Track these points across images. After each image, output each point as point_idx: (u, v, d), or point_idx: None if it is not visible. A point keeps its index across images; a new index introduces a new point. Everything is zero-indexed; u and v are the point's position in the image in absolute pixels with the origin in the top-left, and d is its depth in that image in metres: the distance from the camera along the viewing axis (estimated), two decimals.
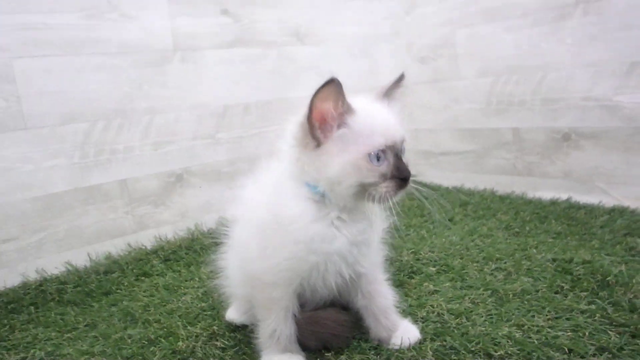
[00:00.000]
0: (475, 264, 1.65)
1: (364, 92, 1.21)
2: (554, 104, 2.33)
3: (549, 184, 2.42)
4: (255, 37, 2.50)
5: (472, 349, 1.17)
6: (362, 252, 1.21)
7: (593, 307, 1.30)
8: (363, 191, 1.11)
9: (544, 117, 2.38)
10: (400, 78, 1.24)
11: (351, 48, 2.85)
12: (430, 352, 1.18)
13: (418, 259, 1.74)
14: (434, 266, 1.67)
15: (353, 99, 1.14)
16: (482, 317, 1.31)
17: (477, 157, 2.73)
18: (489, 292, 1.45)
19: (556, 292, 1.41)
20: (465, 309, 1.36)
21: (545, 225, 1.97)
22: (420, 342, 1.24)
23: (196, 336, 1.37)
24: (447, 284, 1.53)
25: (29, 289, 1.82)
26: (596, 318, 1.25)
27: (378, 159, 1.10)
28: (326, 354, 1.23)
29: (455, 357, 1.16)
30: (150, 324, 1.48)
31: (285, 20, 2.59)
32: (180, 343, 1.33)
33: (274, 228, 1.14)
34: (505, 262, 1.64)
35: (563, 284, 1.44)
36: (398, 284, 1.54)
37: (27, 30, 1.94)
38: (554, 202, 2.24)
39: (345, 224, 1.16)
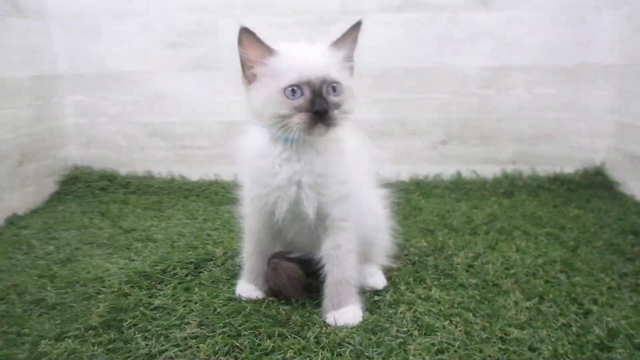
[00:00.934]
0: None
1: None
2: None
3: None
4: (426, 1, 2.47)
5: None
6: (306, 193, 1.28)
7: None
8: (283, 126, 1.20)
9: None
10: (357, 25, 1.29)
11: (552, 13, 2.46)
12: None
13: None
14: None
15: (289, 44, 1.26)
16: None
17: None
18: None
19: None
20: None
21: None
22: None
23: None
24: None
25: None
26: None
27: (293, 93, 1.20)
28: (279, 301, 1.41)
29: None
30: None
31: None
32: None
33: (241, 162, 1.38)
34: None
35: None
36: None
37: None
38: None
39: (288, 162, 1.28)
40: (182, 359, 1.17)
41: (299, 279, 1.42)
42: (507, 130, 2.61)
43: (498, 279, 1.53)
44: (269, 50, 1.23)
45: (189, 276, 1.60)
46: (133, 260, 1.70)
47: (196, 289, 1.49)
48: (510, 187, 2.49)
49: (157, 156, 2.69)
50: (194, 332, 1.25)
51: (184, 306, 1.38)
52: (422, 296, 1.44)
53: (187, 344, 1.21)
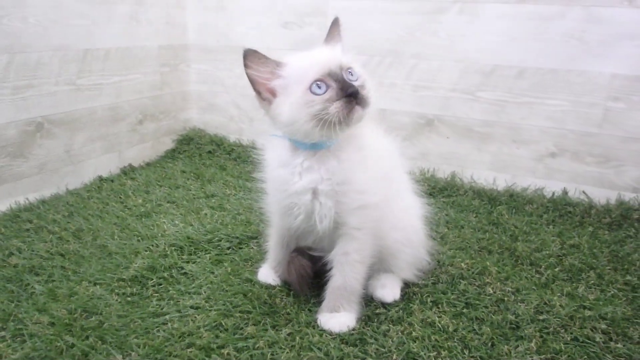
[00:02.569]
0: None
1: None
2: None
3: None
4: None
5: None
6: (322, 201, 1.29)
7: None
8: (322, 123, 1.19)
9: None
10: (335, 22, 1.37)
11: None
12: None
13: None
14: None
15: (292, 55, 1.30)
16: None
17: None
18: None
19: None
20: None
21: None
22: None
23: None
24: None
25: None
26: None
27: (319, 87, 1.21)
28: (288, 292, 1.48)
29: None
30: None
31: None
32: None
33: (264, 173, 1.45)
34: None
35: None
36: None
37: None
38: None
39: (309, 171, 1.30)
40: (177, 323, 1.31)
41: (307, 277, 1.46)
42: (633, 152, 2.22)
43: (522, 321, 1.38)
44: (277, 63, 1.25)
45: (230, 249, 1.75)
46: (191, 225, 1.90)
47: (226, 264, 1.63)
48: (620, 217, 2.14)
49: (261, 128, 2.87)
50: (197, 303, 1.39)
51: (206, 277, 1.53)
52: (428, 320, 1.38)
53: (187, 312, 1.36)
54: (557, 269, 1.70)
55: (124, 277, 1.50)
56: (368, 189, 1.31)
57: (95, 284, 1.48)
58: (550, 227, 2.08)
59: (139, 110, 2.61)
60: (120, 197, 2.18)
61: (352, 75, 1.25)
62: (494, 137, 2.45)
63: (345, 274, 1.35)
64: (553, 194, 2.34)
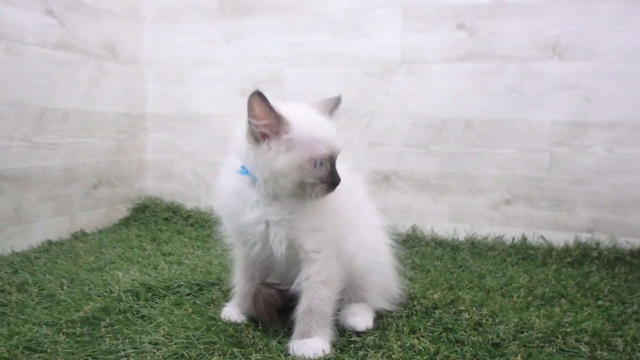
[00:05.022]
0: None
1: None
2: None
3: None
4: (492, 51, 2.38)
5: None
6: (275, 231, 1.29)
7: None
8: (301, 187, 1.26)
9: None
10: (339, 100, 1.41)
11: None
12: None
13: None
14: None
15: (301, 106, 1.31)
16: None
17: None
18: None
19: None
20: None
21: None
22: None
23: None
24: None
25: None
26: None
27: (320, 165, 1.24)
28: (256, 327, 1.38)
29: None
30: None
31: (538, 31, 2.32)
32: None
33: (216, 199, 1.43)
34: None
35: None
36: None
37: (294, 47, 2.66)
38: None
39: (259, 205, 1.30)
40: (134, 358, 1.18)
41: (275, 305, 1.39)
42: (583, 194, 2.33)
43: (503, 340, 1.33)
44: (281, 120, 1.22)
45: (189, 295, 1.63)
46: (148, 275, 1.79)
47: (187, 306, 1.51)
48: (580, 256, 2.18)
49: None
50: (156, 339, 1.27)
51: (166, 317, 1.41)
52: (406, 345, 1.30)
53: (144, 348, 1.23)
54: (529, 298, 1.68)
55: (74, 318, 1.36)
56: (321, 211, 1.30)
57: (40, 325, 1.33)
58: (515, 267, 2.09)
59: (94, 174, 2.54)
60: (70, 256, 2.04)
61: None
62: (449, 188, 2.51)
63: (310, 297, 1.30)
64: (513, 239, 2.37)
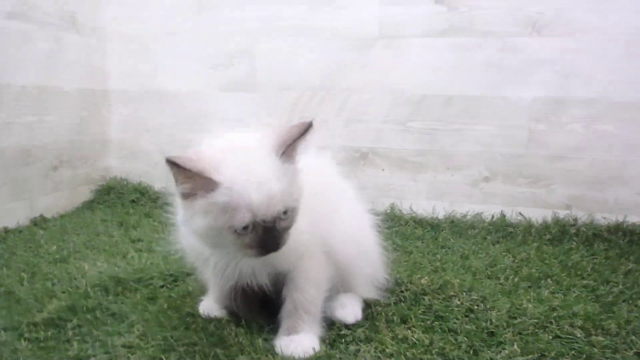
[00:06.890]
0: None
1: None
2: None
3: None
4: (472, 26, 2.29)
5: None
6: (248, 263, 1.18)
7: None
8: (226, 250, 1.11)
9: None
10: (308, 127, 1.07)
11: (620, 44, 2.17)
12: None
13: None
14: None
15: (244, 149, 1.07)
16: None
17: None
18: None
19: None
20: None
21: None
22: None
23: None
24: None
25: None
26: None
27: (245, 229, 1.03)
28: (238, 323, 1.29)
29: None
30: None
31: (519, 7, 2.25)
32: None
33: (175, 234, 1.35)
34: None
35: None
36: None
37: (269, 20, 2.51)
38: None
39: None
40: None
41: (254, 297, 1.29)
42: (561, 170, 2.31)
43: (497, 327, 1.29)
44: (207, 180, 1.00)
45: (163, 287, 1.53)
46: (117, 266, 1.67)
47: (161, 301, 1.41)
48: (559, 234, 2.17)
49: None
50: (130, 342, 1.17)
51: (139, 315, 1.31)
52: (399, 336, 1.24)
53: (117, 352, 1.13)
54: (516, 279, 1.65)
55: (36, 320, 1.24)
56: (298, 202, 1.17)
57: None
58: (497, 245, 2.06)
59: (53, 155, 2.36)
60: (30, 246, 1.89)
61: (284, 214, 1.06)
62: (428, 165, 2.46)
63: (296, 290, 1.22)
64: (492, 216, 2.35)
